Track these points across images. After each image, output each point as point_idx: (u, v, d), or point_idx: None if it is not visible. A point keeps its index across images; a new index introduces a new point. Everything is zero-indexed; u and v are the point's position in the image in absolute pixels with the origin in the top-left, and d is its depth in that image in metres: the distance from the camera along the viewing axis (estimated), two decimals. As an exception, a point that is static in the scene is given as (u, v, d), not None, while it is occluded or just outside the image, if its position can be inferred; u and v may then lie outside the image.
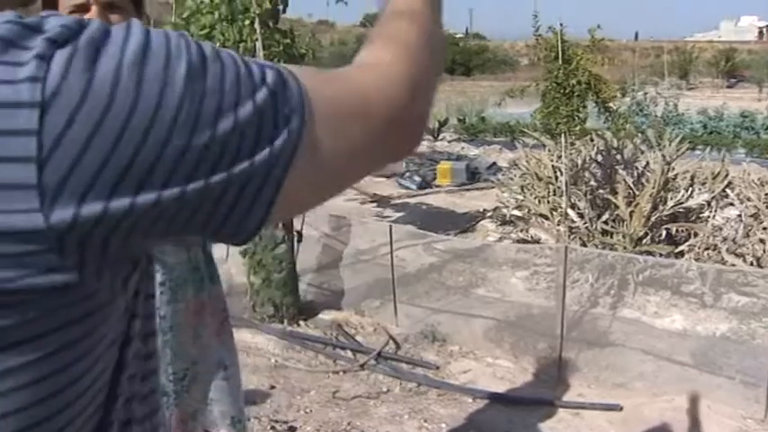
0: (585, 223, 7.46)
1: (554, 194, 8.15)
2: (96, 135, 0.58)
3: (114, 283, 0.66)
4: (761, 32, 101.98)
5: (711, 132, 18.37)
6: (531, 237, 8.29)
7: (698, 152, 11.65)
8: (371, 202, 12.29)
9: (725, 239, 7.28)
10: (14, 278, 0.58)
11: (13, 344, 0.61)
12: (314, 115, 0.69)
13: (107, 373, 0.72)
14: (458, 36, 75.86)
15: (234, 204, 0.66)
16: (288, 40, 6.18)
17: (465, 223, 10.46)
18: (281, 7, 6.03)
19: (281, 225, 6.33)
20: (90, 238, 0.60)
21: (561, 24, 6.86)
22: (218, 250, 4.87)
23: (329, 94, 0.73)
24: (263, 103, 0.65)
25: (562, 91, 6.73)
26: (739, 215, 7.53)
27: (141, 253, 0.71)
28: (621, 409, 5.06)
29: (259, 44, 5.82)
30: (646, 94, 21.54)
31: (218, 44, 6.01)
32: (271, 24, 5.99)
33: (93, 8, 1.83)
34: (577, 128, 7.12)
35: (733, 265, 6.95)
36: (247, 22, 5.86)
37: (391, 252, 6.76)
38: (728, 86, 43.93)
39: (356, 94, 0.76)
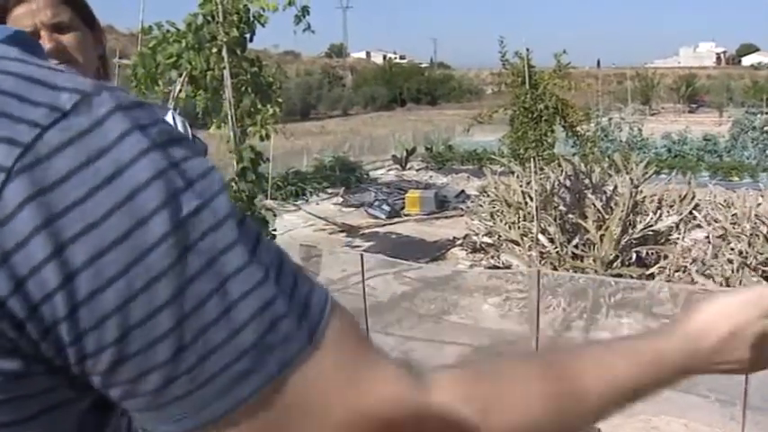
0: (556, 248, 7.47)
1: (524, 220, 8.17)
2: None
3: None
4: (719, 58, 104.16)
5: (676, 156, 18.61)
6: (503, 263, 8.28)
7: (663, 176, 11.81)
8: (340, 231, 12.24)
9: (694, 261, 7.33)
10: None
11: None
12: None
13: None
14: (423, 66, 76.54)
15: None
16: (255, 68, 6.15)
17: (435, 251, 10.42)
18: (248, 35, 6.00)
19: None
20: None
21: (527, 50, 6.91)
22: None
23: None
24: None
25: (530, 115, 6.76)
26: (707, 237, 7.60)
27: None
28: (599, 430, 5.02)
29: (227, 72, 5.79)
30: (610, 119, 21.74)
31: (185, 72, 6.00)
32: (238, 52, 5.96)
33: (43, 33, 1.71)
34: (546, 152, 7.15)
35: (703, 285, 6.99)
36: (214, 50, 5.83)
37: (363, 281, 6.71)
38: (690, 111, 44.57)
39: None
